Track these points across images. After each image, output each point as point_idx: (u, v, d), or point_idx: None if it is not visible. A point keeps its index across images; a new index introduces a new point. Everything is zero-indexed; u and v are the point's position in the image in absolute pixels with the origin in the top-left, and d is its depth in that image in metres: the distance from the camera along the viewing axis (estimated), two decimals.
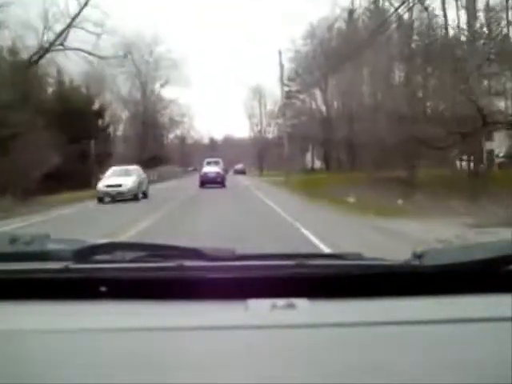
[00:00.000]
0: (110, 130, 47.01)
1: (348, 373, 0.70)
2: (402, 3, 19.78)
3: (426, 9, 23.54)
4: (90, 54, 28.90)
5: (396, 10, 19.22)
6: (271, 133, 64.40)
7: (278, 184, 29.38)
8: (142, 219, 12.09)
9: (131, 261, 1.08)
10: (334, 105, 51.45)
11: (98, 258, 1.09)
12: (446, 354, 0.75)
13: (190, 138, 74.93)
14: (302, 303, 0.91)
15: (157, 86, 53.88)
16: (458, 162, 29.93)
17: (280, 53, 34.23)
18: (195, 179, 40.37)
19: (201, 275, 1.03)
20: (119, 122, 55.80)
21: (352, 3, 35.87)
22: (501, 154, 26.27)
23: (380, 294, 0.95)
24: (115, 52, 46.89)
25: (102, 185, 20.93)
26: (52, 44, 27.48)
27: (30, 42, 28.05)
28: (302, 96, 49.89)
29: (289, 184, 28.23)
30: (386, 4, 25.97)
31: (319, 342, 0.79)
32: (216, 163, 37.67)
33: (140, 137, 50.93)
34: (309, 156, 57.20)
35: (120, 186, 20.48)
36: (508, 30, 21.11)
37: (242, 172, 57.76)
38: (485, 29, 20.68)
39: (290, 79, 57.31)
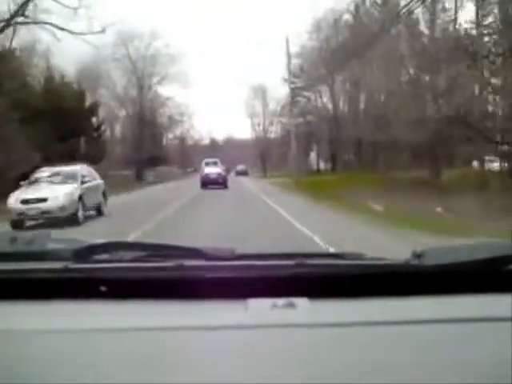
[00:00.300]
0: (104, 128, 43.88)
1: (348, 372, 0.72)
2: None
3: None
4: (59, 28, 25.10)
5: (408, 3, 18.64)
6: (273, 132, 63.28)
7: (286, 187, 27.86)
8: None
9: (131, 260, 1.08)
10: (341, 102, 48.21)
11: (98, 257, 1.10)
12: (446, 354, 0.76)
13: (190, 138, 73.80)
14: (302, 303, 0.93)
15: (154, 81, 50.34)
16: (475, 162, 28.11)
17: (287, 41, 31.49)
18: (194, 180, 39.24)
19: (201, 275, 1.04)
20: (116, 121, 52.25)
21: None
22: None
23: (380, 293, 0.96)
24: (112, 47, 44.03)
25: (14, 200, 12.89)
26: (14, 15, 23.85)
27: None
28: (307, 93, 46.50)
29: (298, 187, 25.29)
30: None
31: (319, 342, 0.80)
32: (215, 164, 37.36)
33: (137, 136, 47.81)
34: (313, 156, 56.25)
35: (45, 200, 12.82)
36: None
37: (244, 173, 56.82)
38: (498, 23, 20.19)
39: (295, 76, 54.35)
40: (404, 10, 19.21)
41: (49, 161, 31.38)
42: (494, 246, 1.11)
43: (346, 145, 47.25)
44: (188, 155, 71.96)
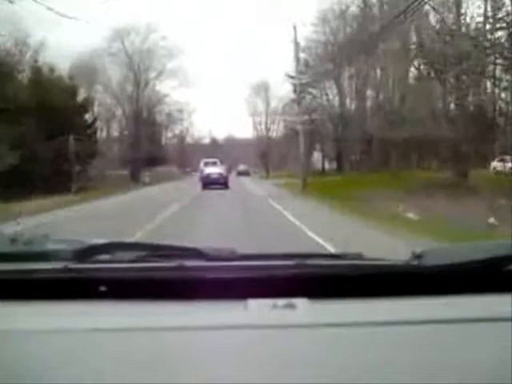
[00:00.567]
0: (98, 126, 41.24)
1: (348, 373, 0.74)
2: None
3: None
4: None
5: None
6: (275, 131, 62.31)
7: (293, 189, 25.89)
8: None
9: (131, 261, 1.10)
10: (348, 99, 45.54)
11: (98, 258, 1.12)
12: (446, 354, 0.78)
13: (190, 136, 72.64)
14: (302, 303, 0.94)
15: (151, 77, 47.61)
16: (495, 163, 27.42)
17: (295, 28, 28.87)
18: (192, 181, 38.37)
19: (201, 275, 1.05)
20: (114, 119, 49.52)
21: None
22: None
23: (380, 293, 0.98)
24: (107, 41, 41.51)
25: None
26: None
27: None
28: (312, 90, 43.93)
29: (308, 189, 22.55)
30: None
31: (319, 342, 0.82)
32: (214, 164, 37.55)
33: (133, 134, 45.04)
34: (316, 156, 54.60)
35: None
36: None
37: (245, 173, 55.59)
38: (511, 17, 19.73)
39: (299, 72, 51.41)
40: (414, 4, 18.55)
41: (33, 160, 28.68)
42: (494, 246, 1.12)
43: (353, 143, 44.63)
44: (187, 155, 70.87)
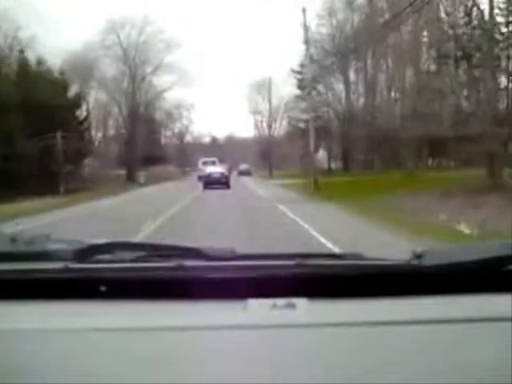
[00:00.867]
0: (89, 122, 38.41)
1: (348, 372, 0.75)
2: None
3: None
4: None
5: None
6: (277, 130, 61.12)
7: (303, 191, 23.51)
8: None
9: (131, 261, 1.11)
10: (356, 95, 43.16)
11: (99, 257, 1.13)
12: (446, 353, 0.79)
13: (190, 134, 71.09)
14: (301, 303, 0.95)
15: (148, 71, 44.78)
16: None
17: (304, 11, 26.63)
18: (191, 181, 36.98)
19: (201, 275, 1.07)
20: (110, 116, 46.83)
21: None
22: None
23: (380, 293, 0.99)
24: (102, 34, 39.05)
25: None
26: None
27: None
28: (318, 85, 41.43)
29: (320, 191, 19.84)
30: None
31: (319, 342, 0.83)
32: (213, 163, 37.66)
33: (130, 132, 42.14)
34: (320, 155, 51.10)
35: None
36: None
37: (247, 173, 54.35)
38: None
39: (303, 66, 48.91)
40: None
41: (18, 159, 26.26)
42: (494, 246, 1.12)
43: (361, 141, 42.08)
44: (187, 154, 69.15)
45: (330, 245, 8.43)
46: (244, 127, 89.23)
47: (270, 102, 54.57)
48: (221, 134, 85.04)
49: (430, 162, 40.78)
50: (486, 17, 20.46)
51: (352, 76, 43.85)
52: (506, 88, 25.51)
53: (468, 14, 22.85)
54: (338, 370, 0.75)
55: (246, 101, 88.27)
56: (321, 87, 45.92)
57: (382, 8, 32.96)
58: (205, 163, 40.37)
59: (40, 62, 32.54)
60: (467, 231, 9.28)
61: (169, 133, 66.15)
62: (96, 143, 51.86)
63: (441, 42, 23.05)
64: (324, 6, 41.27)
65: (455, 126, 20.09)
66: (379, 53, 41.42)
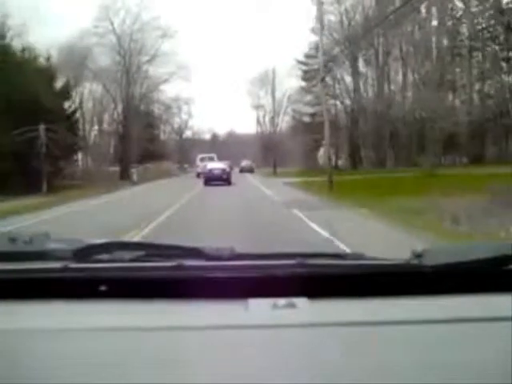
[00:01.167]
0: (84, 116, 35.18)
1: (348, 372, 0.77)
2: None
3: None
4: None
5: None
6: (280, 125, 59.35)
7: (316, 191, 20.15)
8: None
9: (131, 260, 1.12)
10: (368, 86, 40.40)
11: (98, 257, 1.14)
12: (446, 353, 0.80)
13: (189, 129, 68.58)
14: (302, 303, 0.96)
15: (143, 60, 41.45)
16: None
17: None
18: (189, 178, 36.18)
19: (201, 275, 1.07)
20: (106, 109, 43.74)
21: None
22: None
23: (380, 293, 1.01)
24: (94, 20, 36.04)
25: None
26: None
27: None
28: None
29: (339, 192, 16.66)
30: None
31: (320, 342, 0.85)
32: (211, 159, 37.85)
33: (124, 126, 38.84)
34: (322, 152, 46.89)
35: None
36: None
37: (249, 170, 52.65)
38: None
39: (309, 56, 45.69)
40: None
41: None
42: (494, 246, 1.14)
43: (371, 137, 39.06)
44: (186, 150, 66.79)
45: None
46: (245, 123, 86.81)
47: (273, 93, 51.61)
48: (221, 130, 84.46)
49: (442, 159, 37.96)
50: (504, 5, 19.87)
51: (361, 67, 40.81)
52: None
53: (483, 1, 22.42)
54: (338, 370, 0.76)
55: (247, 95, 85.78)
56: (328, 79, 42.84)
57: None
58: (203, 159, 40.47)
59: (24, 48, 29.30)
60: None
61: (168, 128, 64.57)
62: (91, 138, 49.07)
63: (453, 30, 22.85)
64: None
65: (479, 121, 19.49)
66: (391, 41, 38.54)
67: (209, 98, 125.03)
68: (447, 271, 1.03)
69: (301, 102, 45.84)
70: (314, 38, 42.08)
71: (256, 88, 62.88)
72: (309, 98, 45.49)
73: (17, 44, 29.86)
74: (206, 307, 0.97)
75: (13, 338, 0.86)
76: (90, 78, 44.61)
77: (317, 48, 42.90)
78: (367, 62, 41.40)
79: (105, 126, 51.24)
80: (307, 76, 45.00)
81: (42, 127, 25.39)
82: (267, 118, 64.83)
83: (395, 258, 1.12)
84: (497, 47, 34.15)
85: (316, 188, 21.38)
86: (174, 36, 56.90)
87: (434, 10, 28.52)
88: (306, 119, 45.99)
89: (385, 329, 0.87)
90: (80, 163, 50.05)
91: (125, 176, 39.01)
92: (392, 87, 39.74)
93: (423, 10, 28.92)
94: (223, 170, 30.05)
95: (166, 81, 48.20)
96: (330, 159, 23.06)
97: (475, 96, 36.40)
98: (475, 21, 30.77)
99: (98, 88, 46.11)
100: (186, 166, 62.03)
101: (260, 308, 0.94)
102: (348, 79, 42.99)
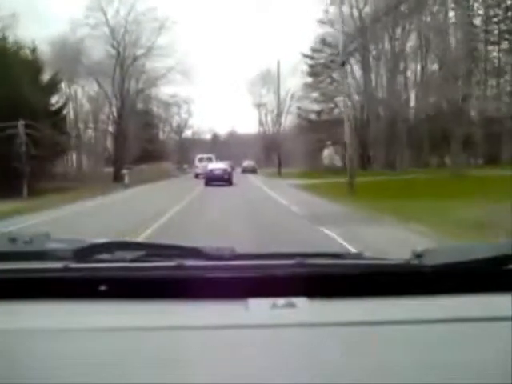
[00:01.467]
0: (74, 113, 32.44)
1: (348, 372, 0.78)
2: None
3: None
4: None
5: None
6: (283, 124, 56.82)
7: (335, 195, 17.05)
8: None
9: (131, 260, 1.13)
10: (380, 80, 37.98)
11: (98, 257, 1.14)
12: (445, 353, 0.81)
13: (189, 128, 65.90)
14: (302, 302, 0.97)
15: (138, 54, 38.44)
16: None
17: None
18: (188, 181, 34.36)
19: (201, 274, 1.08)
20: (101, 108, 41.22)
21: None
22: None
23: (380, 293, 1.02)
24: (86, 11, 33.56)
25: None
26: None
27: None
28: (332, 72, 36.20)
29: (364, 198, 14.65)
30: None
31: (319, 341, 0.86)
32: (209, 159, 37.85)
33: (118, 125, 36.01)
34: (326, 152, 47.63)
35: None
36: None
37: (252, 171, 48.54)
38: None
39: (315, 50, 42.74)
40: None
41: None
42: (494, 246, 1.14)
43: (383, 136, 36.59)
44: (186, 150, 64.50)
45: None
46: (246, 123, 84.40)
47: (278, 89, 48.97)
48: (222, 130, 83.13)
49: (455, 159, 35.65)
50: None
51: (372, 59, 38.02)
52: None
53: None
54: (338, 370, 0.77)
55: (248, 94, 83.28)
56: (336, 74, 40.21)
57: None
58: (201, 160, 40.26)
59: (4, 37, 26.43)
60: None
61: (167, 127, 63.06)
62: (86, 138, 46.33)
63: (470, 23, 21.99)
64: None
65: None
66: (403, 34, 36.18)
67: (209, 98, 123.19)
68: (447, 271, 1.03)
69: (307, 99, 43.22)
70: (321, 31, 39.44)
71: (258, 86, 61.32)
72: (314, 94, 42.86)
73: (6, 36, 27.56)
74: (205, 307, 0.97)
75: (13, 337, 0.86)
76: (84, 74, 42.06)
77: (323, 41, 40.09)
78: (379, 54, 38.74)
79: (100, 124, 48.42)
80: (313, 71, 42.31)
81: (20, 123, 22.87)
82: (269, 118, 62.52)
83: (395, 258, 1.12)
84: None
85: (334, 192, 18.58)
86: (172, 28, 54.18)
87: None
88: (312, 117, 43.33)
89: (385, 329, 0.87)
90: (75, 164, 47.40)
91: (119, 178, 36.53)
92: (410, 77, 37.30)
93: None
94: (224, 171, 30.16)
95: (163, 76, 45.21)
96: (351, 159, 20.24)
97: (489, 92, 34.10)
98: (491, 12, 28.71)
99: (93, 85, 43.64)
100: (185, 166, 60.04)
101: (260, 308, 0.94)
102: (358, 73, 40.40)
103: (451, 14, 27.40)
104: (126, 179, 30.93)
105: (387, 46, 39.28)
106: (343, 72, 21.63)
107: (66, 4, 74.95)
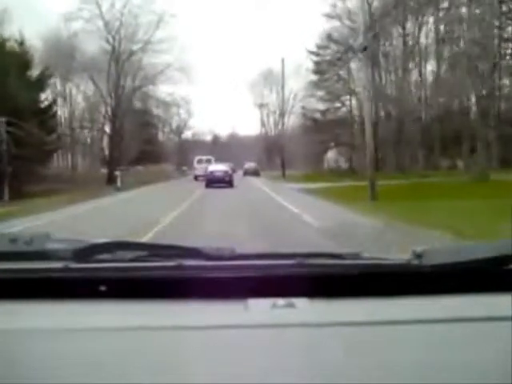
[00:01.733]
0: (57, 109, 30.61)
1: (348, 372, 0.79)
2: None
3: None
4: None
5: None
6: (286, 124, 53.39)
7: (354, 202, 14.60)
8: None
9: (131, 260, 1.14)
10: (390, 77, 36.21)
11: (99, 257, 1.15)
12: (446, 353, 0.82)
13: (189, 128, 63.79)
14: (301, 302, 0.99)
15: (134, 48, 36.53)
16: None
17: None
18: (187, 182, 33.60)
19: (201, 274, 1.09)
20: (97, 107, 39.32)
21: None
22: None
23: (380, 293, 1.03)
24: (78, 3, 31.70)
25: None
26: None
27: None
28: (337, 69, 34.44)
29: (389, 206, 11.69)
30: None
31: (319, 341, 0.87)
32: (208, 161, 37.56)
33: (113, 124, 34.01)
34: (329, 155, 45.47)
35: None
36: None
37: (254, 173, 50.18)
38: None
39: (320, 47, 40.62)
40: None
41: None
42: (494, 246, 1.13)
43: (392, 137, 34.85)
44: (186, 152, 62.68)
45: None
46: (247, 124, 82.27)
47: (282, 88, 47.36)
48: (222, 132, 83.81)
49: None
50: None
51: (381, 56, 36.13)
52: None
53: None
54: (338, 370, 0.77)
55: (249, 95, 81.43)
56: (343, 72, 38.39)
57: None
58: (200, 161, 39.46)
59: None
60: None
61: (167, 128, 62.03)
62: (81, 137, 44.36)
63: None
64: None
65: None
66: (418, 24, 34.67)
67: (209, 98, 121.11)
68: (447, 271, 1.03)
69: (312, 97, 41.30)
70: (327, 27, 37.48)
71: (259, 86, 59.67)
72: (320, 93, 40.92)
73: None
74: (205, 307, 0.98)
75: (13, 337, 0.87)
76: (78, 70, 40.13)
77: (330, 38, 37.97)
78: (391, 50, 36.85)
79: (96, 123, 46.44)
80: (319, 68, 40.35)
81: (0, 120, 20.44)
82: (271, 118, 60.66)
83: (395, 258, 1.13)
84: None
85: (349, 197, 16.17)
86: (170, 22, 52.08)
87: None
88: (317, 116, 41.41)
89: (385, 329, 0.87)
90: (70, 165, 45.42)
91: (112, 180, 34.48)
92: (428, 70, 35.56)
93: None
94: (225, 173, 30.15)
95: (161, 73, 42.85)
96: (372, 161, 17.79)
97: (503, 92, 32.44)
98: (505, 8, 27.01)
99: (88, 83, 41.66)
100: (184, 168, 58.38)
101: (260, 308, 0.95)
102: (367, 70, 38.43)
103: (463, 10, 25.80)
104: (118, 182, 28.81)
105: (397, 42, 37.69)
106: (365, 59, 19.44)
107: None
